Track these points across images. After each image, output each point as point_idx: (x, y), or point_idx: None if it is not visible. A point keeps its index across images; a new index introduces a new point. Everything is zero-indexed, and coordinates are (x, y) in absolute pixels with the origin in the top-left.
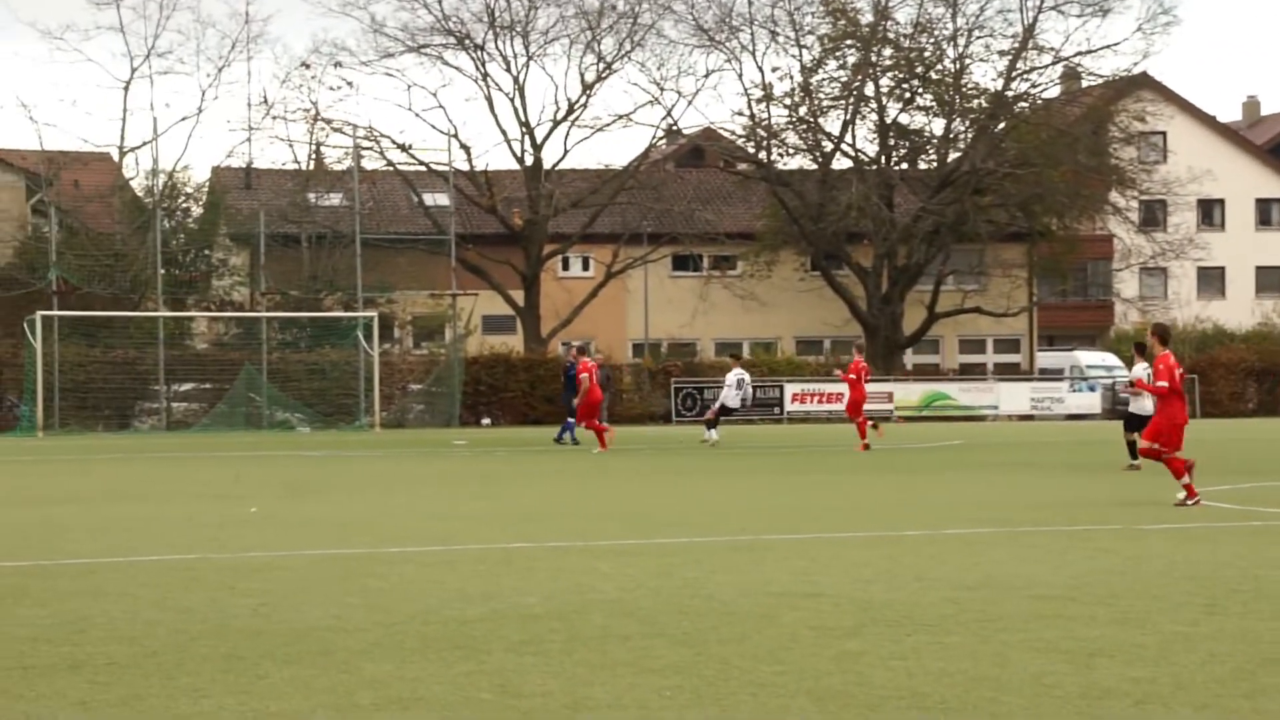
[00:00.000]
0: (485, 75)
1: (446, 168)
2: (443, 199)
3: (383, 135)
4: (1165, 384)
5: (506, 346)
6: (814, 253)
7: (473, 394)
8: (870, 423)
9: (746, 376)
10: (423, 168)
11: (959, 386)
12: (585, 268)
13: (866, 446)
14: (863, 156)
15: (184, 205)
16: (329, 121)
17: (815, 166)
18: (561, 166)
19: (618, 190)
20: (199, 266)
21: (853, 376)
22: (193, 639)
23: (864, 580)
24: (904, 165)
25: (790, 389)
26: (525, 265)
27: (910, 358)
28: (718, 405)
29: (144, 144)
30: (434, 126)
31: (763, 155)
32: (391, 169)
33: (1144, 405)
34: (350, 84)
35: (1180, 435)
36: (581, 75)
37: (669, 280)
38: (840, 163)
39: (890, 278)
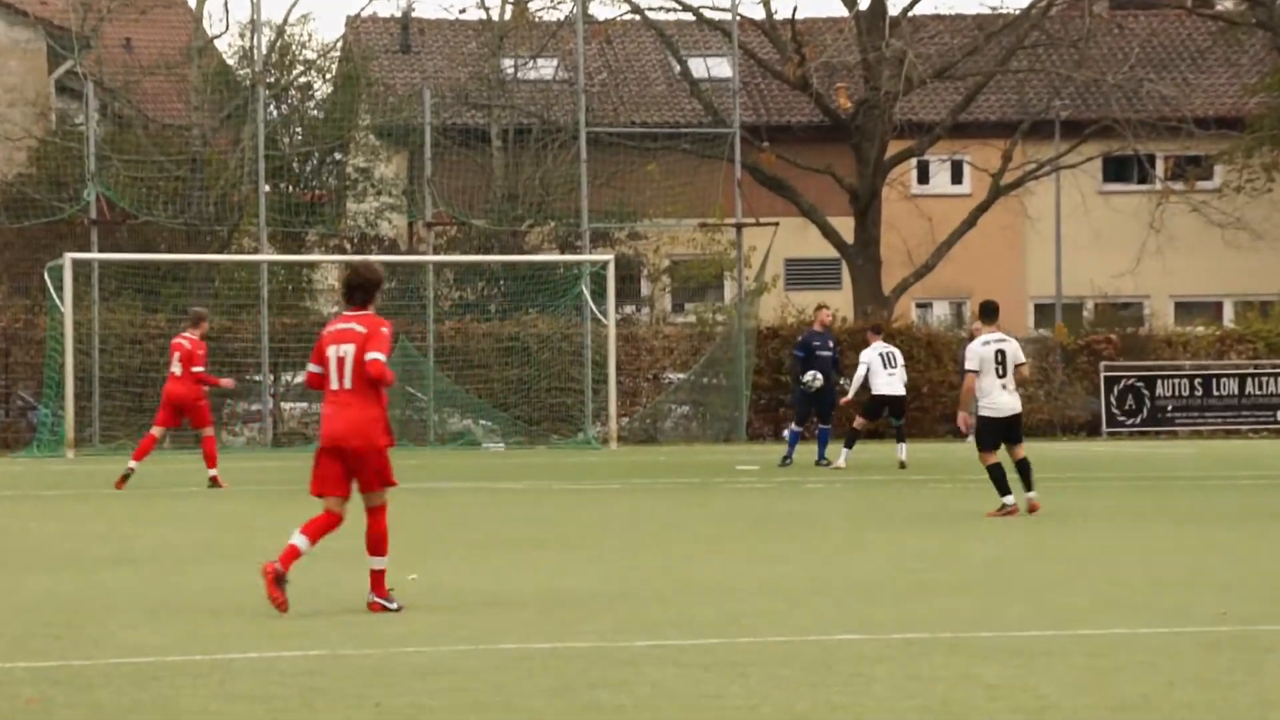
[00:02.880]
0: None
1: (728, 16)
2: (721, 68)
3: None
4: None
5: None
6: None
7: (770, 388)
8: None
9: (895, 350)
10: (689, 17)
11: None
12: (957, 179)
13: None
14: None
15: (301, 80)
16: None
17: None
18: (916, 11)
19: (1010, 51)
20: (325, 181)
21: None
22: None
23: None
24: None
25: None
26: (857, 177)
27: None
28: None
29: None
30: None
31: None
32: (637, 18)
33: (1000, 404)
34: None
35: None
36: None
37: (1098, 199)
38: None
39: None
